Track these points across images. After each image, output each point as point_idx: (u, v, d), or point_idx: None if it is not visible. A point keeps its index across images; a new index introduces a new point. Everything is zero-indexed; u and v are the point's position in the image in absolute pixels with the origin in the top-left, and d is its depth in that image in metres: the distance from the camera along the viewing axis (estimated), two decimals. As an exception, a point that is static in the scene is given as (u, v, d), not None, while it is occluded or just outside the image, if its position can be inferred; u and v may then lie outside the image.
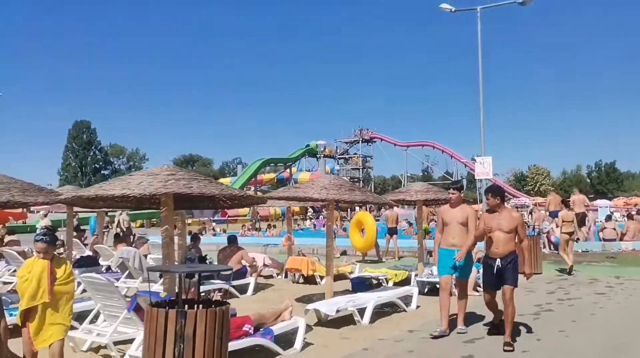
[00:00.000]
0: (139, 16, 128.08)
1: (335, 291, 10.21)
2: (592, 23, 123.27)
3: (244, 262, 10.12)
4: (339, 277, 11.80)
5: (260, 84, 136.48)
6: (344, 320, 7.52)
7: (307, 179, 61.53)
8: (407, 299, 8.80)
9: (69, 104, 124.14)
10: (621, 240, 17.42)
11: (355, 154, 74.19)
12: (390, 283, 10.62)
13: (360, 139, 73.66)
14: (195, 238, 10.97)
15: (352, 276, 10.92)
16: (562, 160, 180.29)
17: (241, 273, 9.98)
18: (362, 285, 10.26)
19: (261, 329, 5.73)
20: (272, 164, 66.92)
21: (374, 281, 10.84)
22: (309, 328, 7.20)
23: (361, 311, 7.50)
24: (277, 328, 5.91)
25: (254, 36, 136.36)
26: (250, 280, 10.00)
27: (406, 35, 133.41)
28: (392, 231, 16.90)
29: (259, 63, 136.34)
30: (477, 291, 10.00)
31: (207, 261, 10.66)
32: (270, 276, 12.60)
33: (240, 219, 44.45)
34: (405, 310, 8.32)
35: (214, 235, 26.36)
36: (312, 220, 41.21)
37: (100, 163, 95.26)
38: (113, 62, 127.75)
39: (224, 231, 28.71)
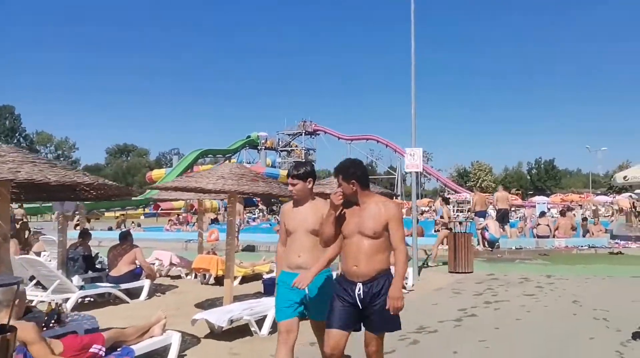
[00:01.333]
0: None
1: (244, 295, 9.25)
2: (534, 20, 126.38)
3: (138, 262, 8.96)
4: (255, 277, 10.84)
5: (201, 73, 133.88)
6: (242, 331, 6.51)
7: (247, 172, 60.35)
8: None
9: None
10: (554, 236, 17.11)
11: (297, 146, 73.22)
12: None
13: (304, 131, 72.86)
14: (85, 234, 9.70)
15: (266, 276, 9.90)
16: (504, 157, 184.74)
17: (135, 275, 8.81)
18: (274, 286, 9.24)
19: (119, 349, 4.66)
20: (211, 156, 65.15)
21: (290, 282, 9.89)
22: (196, 341, 6.20)
23: (261, 321, 6.52)
24: (142, 346, 4.85)
25: (195, 25, 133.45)
26: (145, 283, 8.84)
27: (352, 27, 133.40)
28: None
29: (200, 52, 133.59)
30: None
31: (97, 261, 9.47)
32: (178, 277, 11.49)
33: (174, 212, 42.75)
34: (314, 317, 7.35)
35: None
36: (246, 214, 39.95)
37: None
38: (42, 44, 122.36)
39: (139, 225, 27.02)
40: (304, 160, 71.32)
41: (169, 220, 29.32)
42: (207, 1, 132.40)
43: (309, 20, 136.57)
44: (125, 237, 9.08)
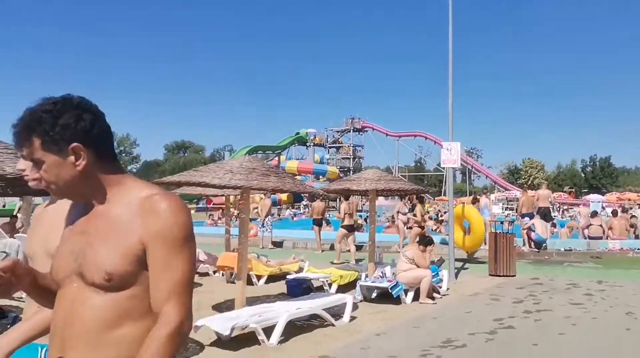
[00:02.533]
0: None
1: (266, 296, 8.79)
2: (587, 15, 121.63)
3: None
4: (282, 277, 10.33)
5: (254, 71, 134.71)
6: (251, 339, 5.97)
7: (294, 167, 60.23)
8: (342, 308, 7.27)
9: (58, 84, 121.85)
10: (607, 237, 15.95)
11: (344, 143, 72.68)
12: (334, 287, 9.12)
13: (352, 128, 72.09)
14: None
15: (290, 276, 9.35)
16: (557, 154, 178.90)
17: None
18: (297, 288, 8.76)
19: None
20: (260, 152, 65.37)
21: (315, 284, 9.36)
22: (199, 349, 5.72)
23: (271, 328, 5.97)
24: None
25: (248, 25, 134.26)
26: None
27: (400, 25, 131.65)
28: (317, 223, 16.21)
29: (254, 51, 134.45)
30: (433, 298, 8.54)
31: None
32: (206, 274, 11.09)
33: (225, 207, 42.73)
34: (333, 324, 6.78)
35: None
36: (292, 210, 39.48)
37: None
38: (104, 45, 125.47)
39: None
40: (352, 156, 71.08)
41: (210, 215, 29.09)
42: (258, 4, 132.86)
43: (358, 20, 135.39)
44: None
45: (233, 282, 10.17)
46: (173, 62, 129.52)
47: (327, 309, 7.08)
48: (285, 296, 8.58)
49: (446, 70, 11.33)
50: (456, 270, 11.71)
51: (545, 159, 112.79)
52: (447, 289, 9.49)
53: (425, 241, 8.65)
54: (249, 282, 10.05)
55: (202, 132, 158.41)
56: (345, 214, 13.84)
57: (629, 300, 8.57)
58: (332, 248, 16.80)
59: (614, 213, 17.90)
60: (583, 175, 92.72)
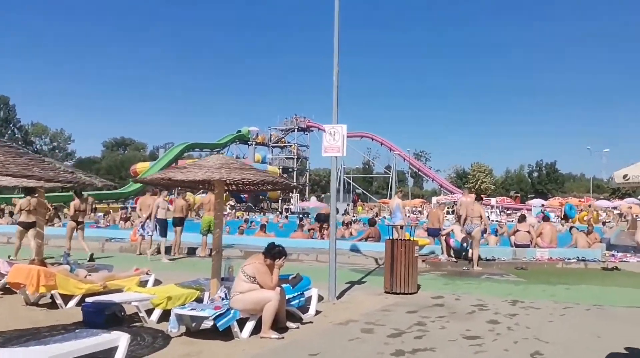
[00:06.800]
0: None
1: (54, 326, 6.35)
2: (538, 22, 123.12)
3: None
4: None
5: (197, 67, 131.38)
6: None
7: (233, 167, 57.49)
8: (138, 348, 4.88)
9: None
10: (535, 245, 14.01)
11: (288, 143, 70.23)
12: (156, 313, 6.71)
13: (296, 127, 69.68)
14: None
15: (90, 299, 6.80)
16: (506, 159, 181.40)
17: None
18: (97, 315, 6.31)
19: None
20: (197, 150, 62.23)
21: (130, 310, 6.92)
22: None
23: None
24: None
25: (187, 19, 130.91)
26: None
27: (350, 25, 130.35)
28: (177, 223, 14.34)
29: (198, 45, 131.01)
30: (285, 329, 6.27)
31: None
32: (10, 291, 8.48)
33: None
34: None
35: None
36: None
37: (20, 143, 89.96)
38: (37, 34, 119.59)
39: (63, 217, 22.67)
40: (296, 156, 68.56)
41: (106, 213, 26.01)
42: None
43: (305, 15, 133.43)
44: None
45: (36, 304, 7.69)
46: (115, 56, 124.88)
47: (99, 353, 4.73)
48: (81, 326, 6.15)
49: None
50: (349, 285, 9.56)
51: (495, 164, 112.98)
52: (316, 314, 7.23)
53: (273, 251, 6.31)
54: (54, 305, 7.58)
55: (142, 129, 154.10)
56: (21, 210, 12.83)
57: (541, 330, 6.48)
58: (189, 252, 14.67)
59: (545, 219, 16.04)
60: (530, 180, 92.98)
